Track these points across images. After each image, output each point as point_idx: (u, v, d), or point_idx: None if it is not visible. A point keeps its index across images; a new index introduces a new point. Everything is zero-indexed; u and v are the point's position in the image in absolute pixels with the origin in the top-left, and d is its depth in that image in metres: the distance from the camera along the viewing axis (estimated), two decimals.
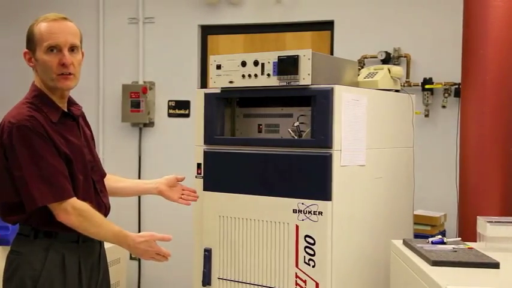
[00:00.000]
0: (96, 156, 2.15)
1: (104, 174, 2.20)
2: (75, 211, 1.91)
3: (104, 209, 2.09)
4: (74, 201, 1.92)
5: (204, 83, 4.34)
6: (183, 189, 2.38)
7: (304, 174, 2.30)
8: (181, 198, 2.37)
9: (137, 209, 4.48)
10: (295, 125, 2.45)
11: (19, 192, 1.91)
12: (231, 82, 2.48)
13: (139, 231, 4.46)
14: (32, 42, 1.98)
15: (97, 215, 1.96)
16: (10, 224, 2.03)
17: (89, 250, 2.05)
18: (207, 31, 4.41)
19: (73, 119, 2.06)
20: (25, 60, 2.02)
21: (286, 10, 4.13)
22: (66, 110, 2.04)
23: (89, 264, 2.05)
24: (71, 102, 2.09)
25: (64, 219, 1.91)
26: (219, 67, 2.51)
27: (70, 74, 1.96)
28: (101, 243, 2.12)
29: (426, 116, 3.75)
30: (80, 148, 2.03)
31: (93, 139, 2.20)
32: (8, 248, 3.60)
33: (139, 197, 4.46)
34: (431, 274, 1.82)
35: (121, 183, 2.33)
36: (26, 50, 2.00)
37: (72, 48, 1.97)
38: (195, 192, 2.41)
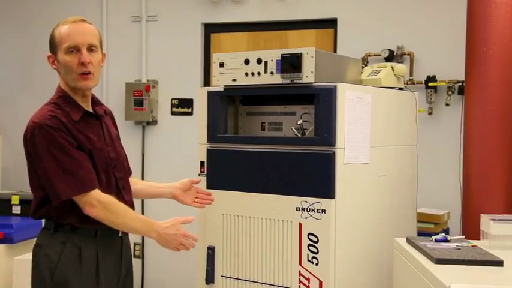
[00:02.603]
0: (120, 154, 2.19)
1: (129, 173, 2.27)
2: (100, 204, 1.96)
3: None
4: (98, 193, 1.97)
5: (207, 81, 4.34)
6: (197, 192, 2.38)
7: (308, 172, 2.30)
8: (195, 201, 2.36)
9: (140, 207, 4.48)
10: (298, 123, 2.45)
11: (44, 187, 1.98)
12: (234, 80, 2.48)
13: None
14: (53, 45, 2.06)
15: (122, 206, 2.01)
16: (37, 220, 2.10)
17: (108, 245, 2.07)
18: (210, 29, 4.41)
19: (96, 118, 2.11)
20: (49, 64, 2.09)
21: (290, 8, 4.12)
22: (89, 109, 2.11)
23: (109, 259, 2.07)
24: (96, 103, 2.17)
25: (89, 212, 1.96)
26: (222, 65, 2.51)
27: (89, 73, 2.02)
28: (122, 239, 2.13)
29: (430, 114, 3.74)
30: (102, 146, 2.08)
31: (119, 138, 2.24)
32: (11, 246, 3.65)
33: None
34: (434, 272, 1.82)
35: (136, 185, 2.34)
36: (50, 53, 2.08)
37: (91, 48, 2.04)
38: (210, 195, 2.40)
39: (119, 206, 2.00)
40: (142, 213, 4.47)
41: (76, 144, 1.98)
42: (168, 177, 4.57)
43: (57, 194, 1.94)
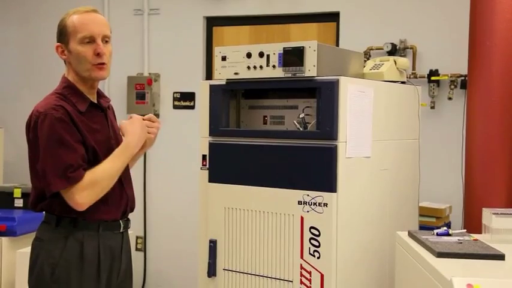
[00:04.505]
0: None
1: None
2: (85, 186, 1.92)
3: (125, 199, 2.12)
4: (78, 185, 1.92)
5: (209, 75, 4.34)
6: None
7: (310, 166, 2.30)
8: None
9: (142, 201, 4.49)
10: (300, 116, 2.45)
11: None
12: (236, 74, 2.48)
13: (144, 225, 4.49)
14: (64, 34, 2.02)
15: (97, 169, 1.96)
16: (37, 212, 2.07)
17: (110, 239, 2.06)
18: (212, 22, 4.40)
19: (101, 110, 2.10)
20: (57, 54, 2.06)
21: (292, 1, 4.11)
22: (95, 101, 2.09)
23: (109, 254, 2.06)
24: (100, 95, 2.15)
25: (78, 204, 1.92)
26: (224, 59, 2.51)
27: (104, 64, 2.01)
28: (123, 234, 2.12)
29: (432, 107, 3.73)
30: (107, 139, 2.07)
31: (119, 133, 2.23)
32: (13, 239, 3.66)
33: (144, 190, 4.47)
34: (436, 266, 1.82)
35: None
36: (58, 43, 2.04)
37: (106, 40, 2.04)
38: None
39: (95, 173, 1.95)
40: (144, 199, 4.47)
41: (79, 136, 1.96)
42: (169, 171, 4.61)
43: (49, 185, 1.92)
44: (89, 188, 1.93)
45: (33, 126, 1.96)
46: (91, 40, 1.99)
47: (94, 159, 2.00)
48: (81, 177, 1.93)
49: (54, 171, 1.91)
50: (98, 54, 1.99)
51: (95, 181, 1.94)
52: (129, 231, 2.20)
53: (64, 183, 1.91)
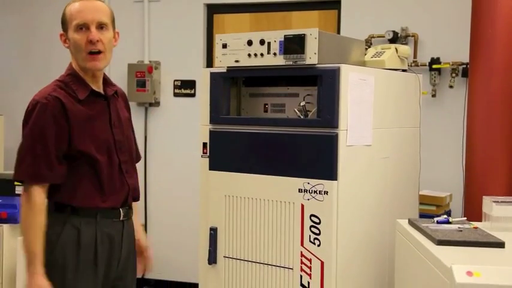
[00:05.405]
0: (128, 137, 2.16)
1: (138, 157, 2.28)
2: (27, 198, 1.94)
3: (126, 189, 2.12)
4: (38, 191, 1.94)
5: (209, 62, 4.32)
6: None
7: (310, 154, 2.30)
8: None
9: (143, 189, 4.49)
10: (301, 104, 2.45)
11: None
12: (236, 61, 2.47)
13: (145, 213, 4.50)
14: (64, 23, 2.04)
15: (37, 223, 1.92)
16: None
17: (109, 227, 2.05)
18: (212, 10, 4.38)
19: (105, 98, 2.09)
20: (62, 43, 2.07)
21: None
22: (100, 89, 2.09)
23: (108, 242, 2.05)
24: (107, 83, 2.14)
25: (21, 198, 1.97)
26: (225, 46, 2.50)
27: (99, 53, 2.00)
28: (123, 223, 2.12)
29: (433, 96, 3.72)
30: (106, 127, 2.06)
31: (130, 121, 2.22)
32: (15, 226, 3.66)
33: (145, 178, 4.48)
34: (436, 253, 1.83)
35: None
36: (62, 32, 2.06)
37: (101, 26, 2.02)
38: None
39: (34, 222, 1.92)
40: (145, 187, 4.46)
41: (64, 132, 1.95)
42: (170, 159, 4.60)
43: (14, 172, 1.98)
44: (24, 209, 1.94)
45: (25, 113, 2.00)
46: (85, 27, 1.99)
47: (87, 151, 2.00)
48: (38, 178, 1.93)
49: (22, 160, 1.96)
50: (91, 42, 1.98)
51: (28, 216, 1.93)
52: None
53: (22, 175, 1.96)
